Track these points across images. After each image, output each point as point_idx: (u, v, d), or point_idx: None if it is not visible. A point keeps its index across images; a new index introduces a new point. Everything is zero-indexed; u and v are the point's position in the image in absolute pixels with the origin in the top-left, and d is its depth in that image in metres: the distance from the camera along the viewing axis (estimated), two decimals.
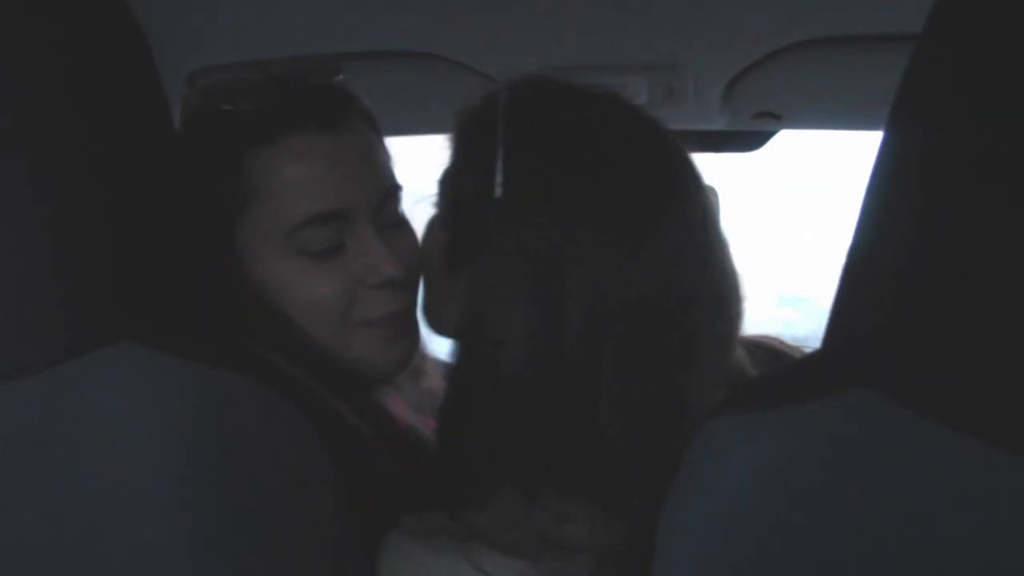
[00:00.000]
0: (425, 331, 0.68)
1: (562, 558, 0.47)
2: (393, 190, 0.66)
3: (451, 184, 0.58)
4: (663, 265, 0.51)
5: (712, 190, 0.57)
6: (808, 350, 0.54)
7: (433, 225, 0.61)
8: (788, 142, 1.16)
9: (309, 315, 0.60)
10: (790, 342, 0.68)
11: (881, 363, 0.33)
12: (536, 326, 0.49)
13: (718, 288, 0.54)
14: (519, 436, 0.50)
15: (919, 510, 0.31)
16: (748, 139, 1.15)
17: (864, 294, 0.35)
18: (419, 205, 0.64)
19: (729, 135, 1.11)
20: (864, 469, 0.32)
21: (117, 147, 0.42)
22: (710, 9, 0.83)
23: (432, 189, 0.61)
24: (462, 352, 0.54)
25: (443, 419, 0.56)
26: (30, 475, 0.40)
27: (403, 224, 0.66)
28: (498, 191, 0.51)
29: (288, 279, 0.60)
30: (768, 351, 0.64)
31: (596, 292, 0.49)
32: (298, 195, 0.59)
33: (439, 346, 0.74)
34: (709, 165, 0.58)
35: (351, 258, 0.61)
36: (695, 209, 0.54)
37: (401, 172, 0.70)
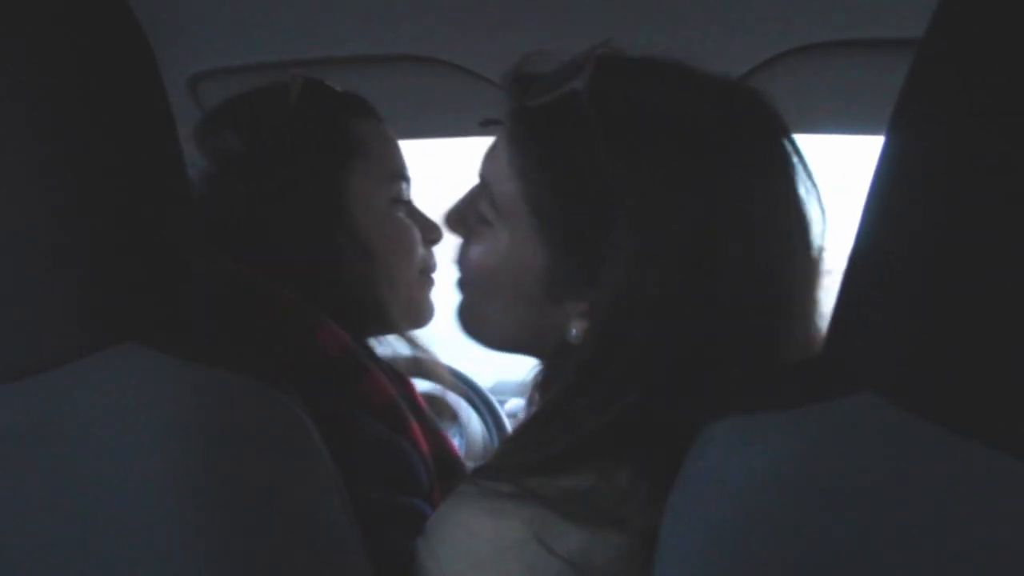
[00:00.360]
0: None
1: (625, 539, 0.47)
2: None
3: (544, 198, 0.54)
4: (795, 228, 0.52)
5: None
6: None
7: (514, 248, 0.56)
8: None
9: (398, 251, 0.72)
10: None
11: (882, 366, 0.33)
12: (686, 316, 0.50)
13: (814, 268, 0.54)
14: (643, 413, 0.50)
15: (920, 513, 0.31)
16: None
17: (865, 297, 0.35)
18: None
19: None
20: (865, 472, 0.32)
21: (119, 149, 0.42)
22: (710, 14, 0.83)
23: None
24: (591, 349, 0.53)
25: (554, 400, 0.54)
26: (30, 476, 0.40)
27: None
28: (625, 197, 0.50)
29: (390, 218, 0.72)
30: None
31: (748, 267, 0.50)
32: (394, 154, 0.75)
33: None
34: None
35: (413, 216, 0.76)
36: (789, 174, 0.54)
37: None
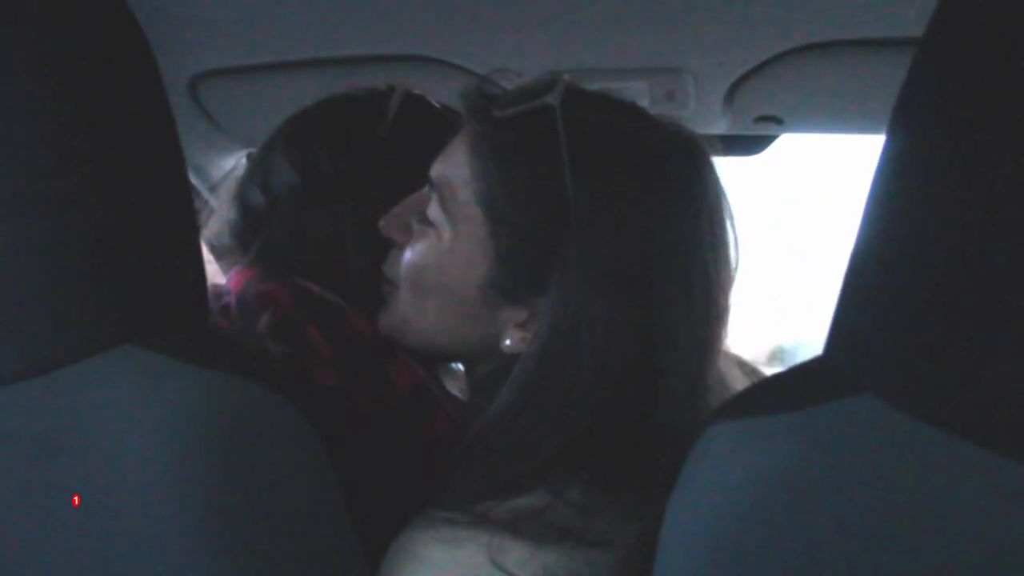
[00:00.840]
0: None
1: (587, 553, 0.47)
2: None
3: (503, 203, 0.55)
4: (726, 260, 0.57)
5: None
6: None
7: (459, 251, 0.57)
8: (790, 145, 1.16)
9: None
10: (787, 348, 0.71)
11: (882, 369, 0.33)
12: (631, 329, 0.52)
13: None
14: (587, 431, 0.51)
15: (919, 517, 0.31)
16: (750, 143, 1.15)
17: (865, 299, 0.35)
18: None
19: (731, 139, 1.12)
20: (864, 475, 0.32)
21: (121, 151, 0.42)
22: (712, 13, 0.83)
23: None
24: (536, 361, 0.54)
25: (500, 417, 0.54)
26: (31, 478, 0.40)
27: None
28: (584, 210, 0.52)
29: None
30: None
31: (682, 289, 0.53)
32: None
33: None
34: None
35: None
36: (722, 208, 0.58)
37: None
